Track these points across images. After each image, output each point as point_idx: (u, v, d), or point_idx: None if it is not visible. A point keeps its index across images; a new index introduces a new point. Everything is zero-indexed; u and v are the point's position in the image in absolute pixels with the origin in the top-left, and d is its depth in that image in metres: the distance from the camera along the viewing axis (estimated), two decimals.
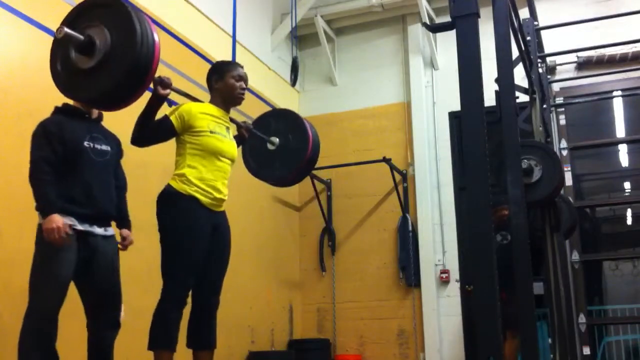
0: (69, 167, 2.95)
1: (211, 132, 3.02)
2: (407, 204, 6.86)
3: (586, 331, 5.83)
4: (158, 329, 2.88)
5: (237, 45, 5.64)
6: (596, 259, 6.90)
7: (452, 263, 6.59)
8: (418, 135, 6.96)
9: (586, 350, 5.78)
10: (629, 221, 8.16)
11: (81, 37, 2.31)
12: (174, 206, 2.95)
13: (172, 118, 2.98)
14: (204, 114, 3.05)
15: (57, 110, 3.11)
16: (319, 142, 3.76)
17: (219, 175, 3.05)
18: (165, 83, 2.82)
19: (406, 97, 7.16)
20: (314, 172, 6.92)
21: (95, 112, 3.15)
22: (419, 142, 6.94)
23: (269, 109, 6.76)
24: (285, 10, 6.92)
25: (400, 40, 7.32)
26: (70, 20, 2.42)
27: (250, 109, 6.33)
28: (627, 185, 7.89)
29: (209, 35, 5.70)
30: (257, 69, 6.55)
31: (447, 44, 6.79)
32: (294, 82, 6.15)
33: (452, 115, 6.87)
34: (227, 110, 3.20)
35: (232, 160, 3.16)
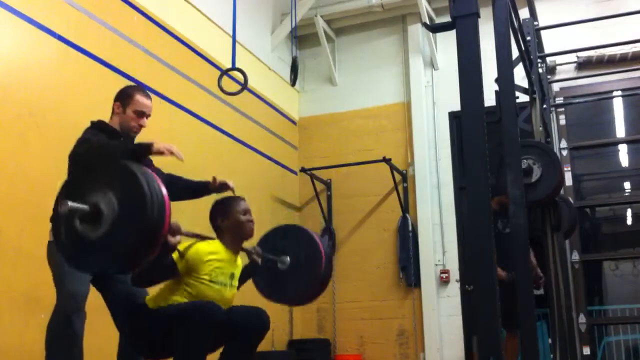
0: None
1: (211, 281, 2.85)
2: (407, 204, 6.86)
3: (586, 331, 5.83)
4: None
5: (237, 45, 5.61)
6: (596, 259, 6.90)
7: (452, 263, 6.59)
8: (418, 135, 6.96)
9: (586, 350, 5.78)
10: (629, 221, 8.15)
11: (86, 207, 2.17)
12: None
13: (175, 259, 2.78)
14: (210, 259, 2.87)
15: (94, 126, 3.00)
16: (331, 255, 3.59)
17: None
18: (174, 231, 2.60)
19: (406, 97, 7.15)
20: (314, 172, 6.93)
21: (129, 134, 3.06)
22: (419, 142, 6.93)
23: (268, 108, 6.78)
24: (285, 10, 6.92)
25: (400, 40, 7.32)
26: (71, 187, 2.30)
27: (250, 109, 6.35)
28: (627, 185, 7.89)
29: (209, 35, 5.70)
30: (257, 69, 6.55)
31: (447, 44, 6.78)
32: (293, 82, 6.15)
33: (452, 115, 6.88)
34: (237, 251, 3.04)
35: (229, 304, 3.00)
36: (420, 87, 7.06)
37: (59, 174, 3.68)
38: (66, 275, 2.82)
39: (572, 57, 6.45)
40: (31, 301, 3.57)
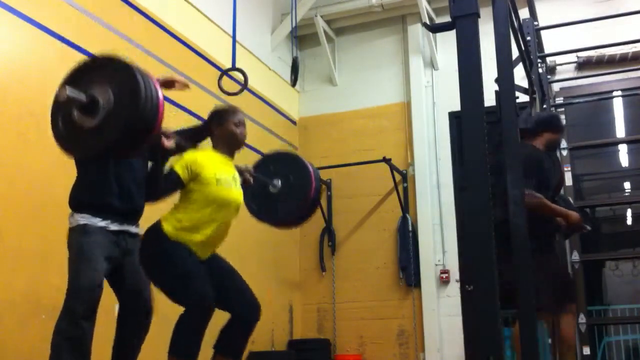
0: (107, 163, 2.93)
1: (218, 181, 2.97)
2: (407, 204, 6.86)
3: (586, 331, 5.83)
4: (181, 338, 2.75)
5: (237, 46, 5.61)
6: (596, 259, 6.90)
7: (452, 263, 6.59)
8: (418, 135, 6.96)
9: (586, 350, 5.77)
10: (629, 221, 8.17)
11: (83, 98, 2.30)
12: (167, 250, 2.87)
13: (177, 169, 2.91)
14: (209, 163, 3.00)
15: None
16: (320, 182, 3.68)
17: (220, 226, 3.01)
18: (168, 135, 2.81)
19: (406, 97, 7.15)
20: None
21: None
22: (419, 142, 6.93)
23: (268, 108, 6.78)
24: (285, 10, 6.92)
25: (400, 40, 7.32)
26: (73, 78, 2.40)
27: (250, 109, 6.34)
28: (627, 185, 7.91)
29: (209, 35, 5.69)
30: (257, 69, 6.55)
31: (447, 44, 6.78)
32: (294, 82, 6.14)
33: (452, 115, 6.87)
34: (231, 156, 3.15)
35: (238, 208, 3.12)
36: (420, 87, 7.06)
37: (59, 174, 3.70)
38: (82, 273, 2.79)
39: (572, 57, 6.45)
40: (31, 301, 3.57)
